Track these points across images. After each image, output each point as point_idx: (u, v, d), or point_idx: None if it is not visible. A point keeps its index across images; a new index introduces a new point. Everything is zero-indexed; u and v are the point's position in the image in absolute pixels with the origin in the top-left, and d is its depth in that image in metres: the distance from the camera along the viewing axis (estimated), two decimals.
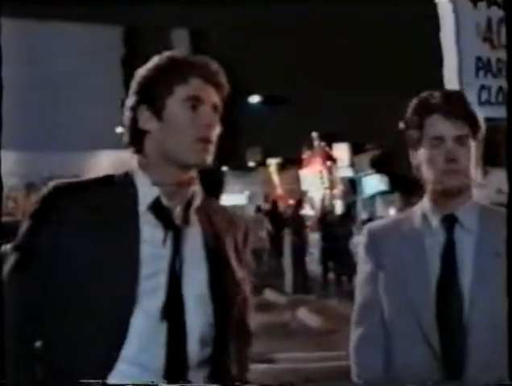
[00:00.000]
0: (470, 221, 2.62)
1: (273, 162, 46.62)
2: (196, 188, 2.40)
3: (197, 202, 2.39)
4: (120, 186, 2.35)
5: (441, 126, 2.60)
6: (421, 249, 2.61)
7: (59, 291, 2.23)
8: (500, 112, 5.62)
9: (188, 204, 2.37)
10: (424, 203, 2.68)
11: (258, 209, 26.22)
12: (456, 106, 2.61)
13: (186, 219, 2.35)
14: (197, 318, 2.28)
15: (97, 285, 2.20)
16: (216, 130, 2.37)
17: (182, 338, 2.25)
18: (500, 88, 4.63)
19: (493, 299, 2.48)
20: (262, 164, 47.76)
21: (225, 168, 39.05)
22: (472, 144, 2.61)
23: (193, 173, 2.39)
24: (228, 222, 2.48)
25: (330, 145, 38.59)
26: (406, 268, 2.62)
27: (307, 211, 23.84)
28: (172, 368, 2.22)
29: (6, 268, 2.27)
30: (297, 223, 20.53)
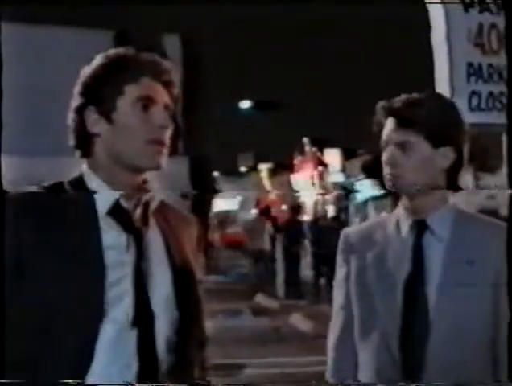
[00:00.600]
0: (441, 227, 2.58)
1: (264, 167, 46.64)
2: (154, 190, 2.31)
3: (155, 203, 2.29)
4: (73, 192, 2.25)
5: (388, 130, 2.59)
6: (390, 256, 2.60)
7: (23, 306, 2.12)
8: (490, 118, 5.64)
9: (146, 206, 2.27)
10: (398, 209, 2.67)
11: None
12: (404, 112, 2.57)
13: (145, 222, 2.26)
14: (164, 321, 2.21)
15: (62, 297, 2.11)
16: (169, 131, 2.26)
17: (152, 345, 2.18)
18: (490, 94, 4.65)
19: (458, 308, 2.48)
20: (254, 169, 47.78)
21: (216, 173, 39.04)
22: (428, 150, 2.55)
23: (146, 175, 2.28)
24: (182, 223, 2.40)
25: (321, 151, 38.63)
26: (372, 274, 2.62)
27: (299, 216, 23.80)
28: (144, 377, 2.15)
29: None
30: (293, 228, 20.48)
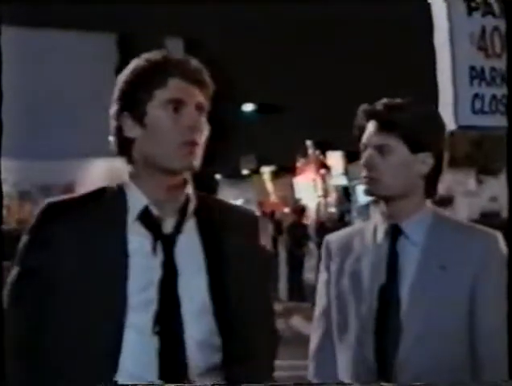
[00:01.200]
0: (416, 232, 2.57)
1: (267, 170, 46.61)
2: (190, 192, 2.33)
3: (192, 206, 2.31)
4: (111, 199, 2.29)
5: (368, 133, 2.61)
6: (366, 262, 2.60)
7: (54, 308, 2.18)
8: (493, 121, 5.63)
9: (183, 210, 2.29)
10: (376, 215, 2.68)
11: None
12: (385, 115, 2.58)
13: (179, 227, 2.27)
14: (198, 327, 2.22)
15: (89, 302, 2.16)
16: (203, 132, 2.29)
17: (177, 351, 2.19)
18: (493, 97, 4.64)
19: (430, 311, 2.48)
20: (256, 172, 47.75)
21: (218, 176, 39.04)
22: (406, 155, 2.55)
23: (185, 176, 2.31)
24: (231, 221, 2.38)
25: (324, 154, 38.61)
26: (347, 281, 2.63)
27: (303, 218, 23.80)
28: (168, 380, 2.16)
29: (8, 281, 2.24)
30: (298, 231, 20.44)
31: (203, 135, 2.29)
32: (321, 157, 38.35)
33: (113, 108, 2.31)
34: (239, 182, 47.15)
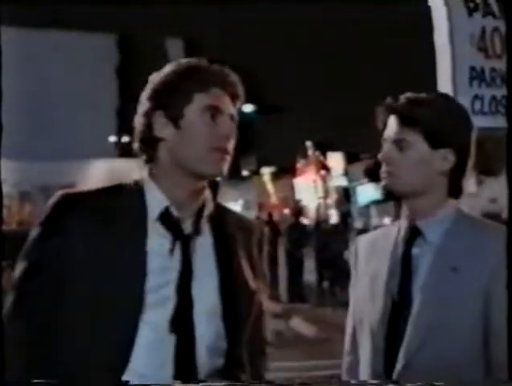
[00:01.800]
0: (433, 232, 2.52)
1: (267, 171, 46.64)
2: (208, 196, 2.35)
3: (209, 210, 2.33)
4: (129, 196, 2.30)
5: (388, 128, 2.55)
6: (386, 262, 2.57)
7: (66, 302, 2.18)
8: (493, 122, 5.63)
9: (199, 213, 2.31)
10: (402, 215, 2.64)
11: (257, 219, 26.10)
12: (406, 110, 2.52)
13: (197, 229, 2.29)
14: (207, 328, 2.23)
15: (104, 296, 2.16)
16: (233, 141, 2.32)
17: (191, 350, 2.21)
18: (493, 98, 4.64)
19: (439, 315, 2.44)
20: (257, 173, 47.79)
21: (218, 177, 38.96)
22: (425, 151, 2.50)
23: (204, 182, 2.34)
24: (240, 229, 2.42)
25: (324, 155, 38.64)
26: (367, 282, 2.61)
27: (302, 220, 23.83)
28: (181, 379, 2.18)
29: (15, 276, 2.23)
30: (297, 232, 20.44)
31: (233, 142, 2.33)
32: (321, 158, 38.38)
33: (145, 106, 2.32)
34: (239, 184, 47.17)
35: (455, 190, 2.57)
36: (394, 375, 2.45)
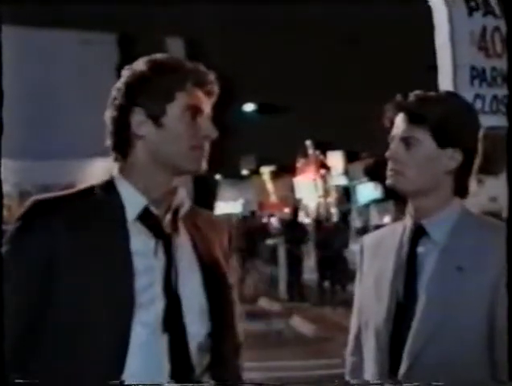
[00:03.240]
0: (439, 231, 2.51)
1: (267, 170, 46.64)
2: (183, 195, 2.33)
3: (185, 209, 2.31)
4: (103, 197, 2.25)
5: (396, 125, 2.53)
6: (390, 262, 2.56)
7: (52, 309, 2.16)
8: (494, 121, 5.63)
9: (176, 211, 2.29)
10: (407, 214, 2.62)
11: (252, 214, 26.09)
12: (414, 107, 2.50)
13: (175, 227, 2.27)
14: (198, 327, 2.23)
15: (91, 301, 2.13)
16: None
17: (184, 348, 2.20)
18: (494, 97, 4.64)
19: (443, 315, 2.43)
20: (256, 172, 47.78)
21: (218, 176, 39.04)
22: (433, 149, 2.49)
23: (180, 179, 2.33)
24: (213, 227, 2.42)
25: (324, 154, 38.61)
26: (372, 281, 2.61)
27: (302, 218, 23.86)
28: (176, 379, 2.17)
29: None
30: (297, 231, 20.44)
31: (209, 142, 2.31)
32: (321, 157, 38.37)
33: (118, 102, 2.27)
34: (239, 183, 47.16)
35: (461, 189, 2.56)
36: (399, 375, 2.44)
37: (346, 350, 2.79)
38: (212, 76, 2.33)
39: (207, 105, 2.30)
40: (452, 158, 2.50)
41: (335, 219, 30.81)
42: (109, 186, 2.28)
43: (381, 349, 2.51)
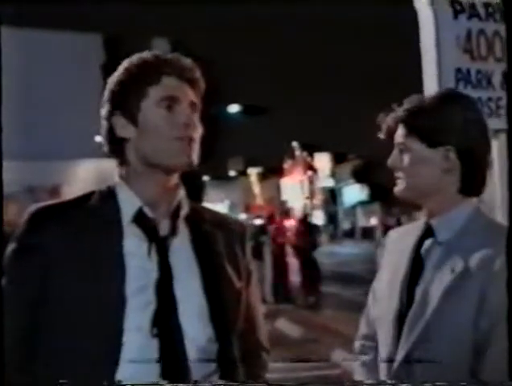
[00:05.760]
0: (444, 231, 2.52)
1: (254, 172, 46.69)
2: (183, 196, 2.32)
3: (185, 210, 2.30)
4: (102, 201, 2.27)
5: (397, 133, 2.57)
6: (404, 259, 2.57)
7: (48, 314, 2.16)
8: None
9: (176, 213, 2.28)
10: None
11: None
12: (411, 120, 2.53)
13: (173, 229, 2.26)
14: (197, 331, 2.20)
15: (86, 304, 2.13)
16: (197, 129, 2.28)
17: (180, 353, 2.17)
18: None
19: (429, 317, 2.43)
20: (243, 173, 47.82)
21: (205, 177, 39.04)
22: (423, 150, 2.50)
23: (177, 180, 2.31)
24: (220, 227, 2.38)
25: (311, 155, 38.72)
26: (386, 277, 2.63)
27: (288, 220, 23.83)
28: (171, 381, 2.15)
29: None
30: (283, 233, 20.44)
31: (197, 132, 2.28)
32: (308, 159, 38.44)
33: (104, 110, 2.30)
34: (226, 184, 47.18)
35: (469, 188, 2.55)
36: (392, 372, 2.48)
37: (355, 348, 2.79)
38: (188, 63, 2.32)
39: (187, 94, 2.28)
40: (446, 157, 2.50)
41: (321, 220, 30.82)
42: (109, 191, 2.30)
43: (389, 347, 2.52)
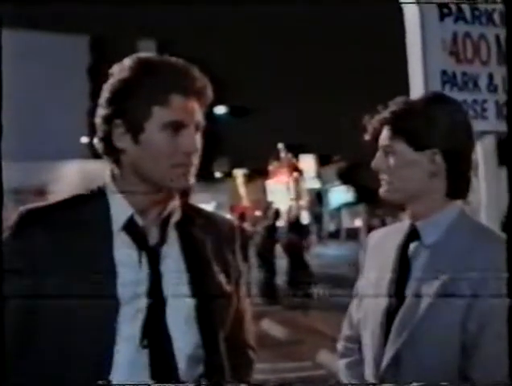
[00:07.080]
0: (430, 234, 2.52)
1: (240, 173, 46.67)
2: (176, 203, 2.27)
3: (176, 218, 2.25)
4: (93, 205, 2.20)
5: (382, 135, 2.57)
6: (388, 261, 2.57)
7: (37, 319, 2.12)
8: None
9: (166, 221, 2.23)
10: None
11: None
12: (396, 122, 2.52)
13: (163, 238, 2.21)
14: (185, 339, 2.18)
15: (76, 312, 2.09)
16: (198, 152, 2.21)
17: (167, 362, 2.15)
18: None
19: (415, 321, 2.42)
20: (229, 175, 47.79)
21: None
22: (409, 154, 2.50)
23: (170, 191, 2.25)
24: (211, 231, 2.34)
25: (297, 157, 38.75)
26: (371, 279, 2.62)
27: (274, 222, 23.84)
28: None
29: None
30: (269, 234, 20.42)
31: (198, 154, 2.21)
32: (294, 160, 38.47)
33: (104, 110, 2.19)
34: (212, 185, 47.10)
35: (454, 191, 2.55)
36: (379, 373, 2.48)
37: (337, 350, 2.80)
38: (202, 81, 2.21)
39: (193, 114, 2.18)
40: (432, 160, 2.50)
41: (306, 221, 30.86)
42: (100, 193, 2.23)
43: (375, 349, 2.53)
